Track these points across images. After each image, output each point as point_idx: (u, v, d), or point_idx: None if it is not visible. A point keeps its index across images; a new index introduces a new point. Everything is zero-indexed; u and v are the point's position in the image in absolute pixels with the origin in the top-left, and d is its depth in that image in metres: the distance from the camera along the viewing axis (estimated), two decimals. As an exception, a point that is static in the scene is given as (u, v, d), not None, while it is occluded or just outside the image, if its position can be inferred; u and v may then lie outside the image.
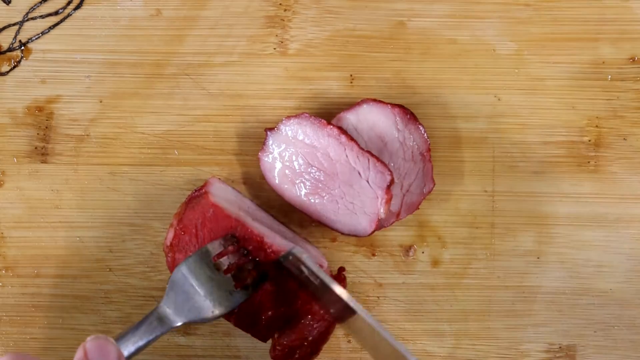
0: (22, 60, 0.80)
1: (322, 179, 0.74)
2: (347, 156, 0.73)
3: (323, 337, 0.72)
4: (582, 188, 0.78)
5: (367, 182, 0.73)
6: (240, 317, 0.71)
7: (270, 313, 0.71)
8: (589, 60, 0.78)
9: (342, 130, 0.73)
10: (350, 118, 0.75)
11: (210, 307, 0.68)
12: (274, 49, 0.79)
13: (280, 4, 0.79)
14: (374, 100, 0.75)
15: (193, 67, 0.79)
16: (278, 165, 0.74)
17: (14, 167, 0.79)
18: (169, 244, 0.73)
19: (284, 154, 0.74)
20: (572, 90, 0.78)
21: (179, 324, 0.67)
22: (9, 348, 0.78)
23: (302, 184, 0.74)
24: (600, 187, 0.78)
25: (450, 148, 0.78)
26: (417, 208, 0.75)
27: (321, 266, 0.72)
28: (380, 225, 0.74)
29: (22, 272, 0.78)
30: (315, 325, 0.71)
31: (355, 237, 0.75)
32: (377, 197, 0.73)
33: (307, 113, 0.74)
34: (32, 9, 0.80)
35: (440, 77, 0.79)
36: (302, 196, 0.74)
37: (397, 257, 0.78)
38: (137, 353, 0.65)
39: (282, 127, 0.74)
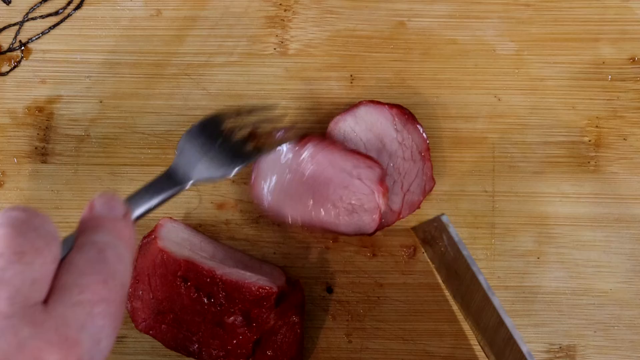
0: (22, 60, 0.80)
1: (315, 189, 0.74)
2: (330, 161, 0.73)
3: (296, 341, 0.73)
4: (582, 188, 0.78)
5: (360, 179, 0.73)
6: (207, 353, 0.72)
7: (235, 342, 0.71)
8: (589, 60, 0.78)
9: (320, 139, 0.73)
10: (348, 120, 0.75)
11: (220, 167, 0.67)
12: (274, 49, 0.79)
13: (280, 4, 0.79)
14: (372, 101, 0.75)
15: (193, 67, 0.79)
16: (269, 188, 0.74)
17: (14, 167, 0.79)
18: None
19: (272, 178, 0.74)
20: (572, 90, 0.78)
21: (190, 182, 0.65)
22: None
23: (298, 201, 0.74)
24: (600, 187, 0.78)
25: (450, 148, 0.78)
26: (419, 207, 0.75)
27: (271, 288, 0.72)
28: (383, 223, 0.74)
29: (22, 272, 0.78)
30: (284, 335, 0.72)
31: (362, 236, 0.75)
32: (373, 192, 0.73)
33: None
34: (32, 9, 0.80)
35: (440, 77, 0.79)
36: (302, 212, 0.74)
37: (398, 257, 0.78)
38: (147, 213, 0.63)
39: (264, 159, 0.74)
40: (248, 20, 0.79)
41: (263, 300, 0.71)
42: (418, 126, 0.75)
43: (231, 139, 0.69)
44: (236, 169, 0.67)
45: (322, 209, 0.74)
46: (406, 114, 0.75)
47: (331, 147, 0.73)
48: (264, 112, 0.73)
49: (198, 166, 0.66)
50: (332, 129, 0.76)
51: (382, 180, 0.73)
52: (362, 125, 0.75)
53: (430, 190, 0.75)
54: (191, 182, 0.65)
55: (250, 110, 0.72)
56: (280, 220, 0.75)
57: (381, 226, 0.75)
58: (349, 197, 0.73)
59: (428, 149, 0.75)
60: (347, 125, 0.75)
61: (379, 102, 0.75)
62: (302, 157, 0.73)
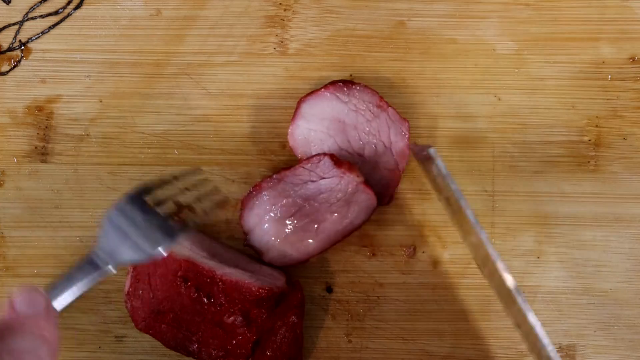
0: (22, 60, 0.80)
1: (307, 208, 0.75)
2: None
3: (295, 341, 0.73)
4: (582, 188, 0.78)
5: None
6: (206, 353, 0.72)
7: (234, 342, 0.71)
8: (589, 60, 0.78)
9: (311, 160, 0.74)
10: (300, 124, 0.75)
11: (145, 248, 0.64)
12: (274, 48, 0.79)
13: (280, 3, 0.79)
14: (307, 95, 0.75)
15: (193, 67, 0.79)
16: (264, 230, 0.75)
17: (14, 167, 0.79)
18: (126, 292, 0.73)
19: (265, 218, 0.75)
20: (572, 90, 0.78)
21: (113, 268, 0.63)
22: (9, 348, 0.78)
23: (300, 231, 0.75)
24: (600, 187, 0.78)
25: (450, 148, 0.78)
26: (409, 151, 0.75)
27: (271, 288, 0.72)
28: (391, 186, 0.75)
29: (22, 272, 0.79)
30: (283, 336, 0.72)
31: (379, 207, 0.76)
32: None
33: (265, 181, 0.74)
34: (32, 8, 0.80)
35: (440, 77, 0.79)
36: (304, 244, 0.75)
37: (398, 257, 0.78)
38: (72, 302, 0.61)
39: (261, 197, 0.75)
40: (248, 19, 0.79)
41: (263, 300, 0.71)
42: (358, 86, 0.75)
43: (156, 214, 0.66)
44: (162, 248, 0.65)
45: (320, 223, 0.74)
46: (342, 84, 0.75)
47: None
48: (188, 178, 0.71)
49: (122, 248, 0.64)
50: (292, 142, 0.76)
51: (343, 163, 0.74)
52: (313, 119, 0.75)
53: (408, 129, 0.75)
54: (115, 265, 0.63)
55: (174, 178, 0.70)
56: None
57: (391, 191, 0.75)
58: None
59: (381, 98, 0.75)
60: (302, 129, 0.75)
61: (313, 91, 0.75)
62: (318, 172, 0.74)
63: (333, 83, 0.75)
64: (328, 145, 0.75)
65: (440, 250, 0.78)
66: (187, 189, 0.70)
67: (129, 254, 0.64)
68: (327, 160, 0.73)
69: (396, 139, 0.75)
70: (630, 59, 0.78)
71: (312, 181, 0.74)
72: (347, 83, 0.75)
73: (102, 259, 0.63)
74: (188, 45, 0.79)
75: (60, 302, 0.61)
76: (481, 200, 0.78)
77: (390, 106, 0.75)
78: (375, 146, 0.75)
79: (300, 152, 0.76)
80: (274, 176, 0.74)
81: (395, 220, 0.78)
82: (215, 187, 0.73)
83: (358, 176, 0.73)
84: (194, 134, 0.79)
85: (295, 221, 0.74)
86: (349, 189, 0.74)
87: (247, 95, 0.79)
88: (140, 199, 0.66)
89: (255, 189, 0.75)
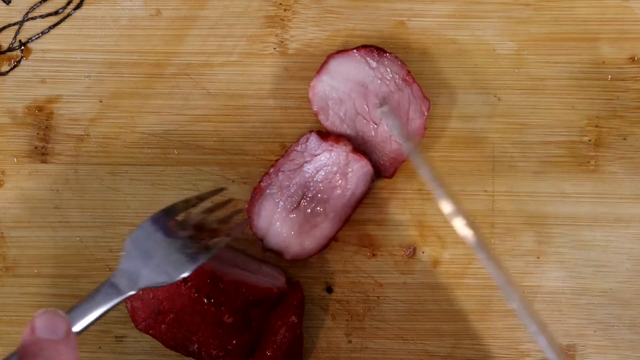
0: (22, 60, 0.80)
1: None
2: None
3: (295, 341, 0.73)
4: (582, 188, 0.78)
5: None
6: (206, 353, 0.71)
7: (234, 342, 0.71)
8: (589, 60, 0.78)
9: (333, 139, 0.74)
10: (324, 79, 0.75)
11: (167, 272, 0.65)
12: (274, 49, 0.79)
13: (280, 4, 0.79)
14: (338, 52, 0.75)
15: (193, 67, 0.79)
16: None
17: (14, 167, 0.79)
18: None
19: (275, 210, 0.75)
20: (572, 90, 0.78)
21: (134, 291, 0.64)
22: (9, 348, 0.78)
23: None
24: (600, 187, 0.78)
25: (450, 148, 0.78)
26: (425, 129, 0.75)
27: (271, 288, 0.72)
28: (399, 160, 0.75)
29: (22, 272, 0.79)
30: (283, 336, 0.72)
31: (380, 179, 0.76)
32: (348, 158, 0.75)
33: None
34: (32, 8, 0.80)
35: (440, 77, 0.78)
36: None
37: (398, 257, 0.78)
38: (91, 325, 0.62)
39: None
40: (248, 19, 0.79)
41: (263, 300, 0.71)
42: (389, 55, 0.74)
43: (179, 237, 0.66)
44: (185, 273, 0.65)
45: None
46: (374, 49, 0.74)
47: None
48: (212, 198, 0.72)
49: (144, 271, 0.64)
50: (312, 96, 0.76)
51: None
52: (338, 78, 0.75)
53: (428, 109, 0.75)
54: (137, 289, 0.64)
55: (198, 199, 0.70)
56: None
57: (397, 165, 0.75)
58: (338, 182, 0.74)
59: (409, 72, 0.74)
60: (325, 85, 0.75)
61: (344, 50, 0.75)
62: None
63: (365, 46, 0.75)
64: (346, 106, 0.75)
65: (440, 250, 0.78)
66: (210, 210, 0.71)
67: (151, 278, 0.64)
68: (313, 137, 0.74)
69: (414, 116, 0.75)
70: (630, 59, 0.78)
71: (307, 162, 0.74)
72: (380, 50, 0.75)
73: (123, 282, 0.64)
74: (188, 45, 0.79)
75: (80, 325, 0.61)
76: (481, 200, 0.78)
77: (416, 82, 0.75)
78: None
79: (316, 106, 0.76)
80: (271, 171, 0.74)
81: (395, 220, 0.78)
82: (239, 208, 0.74)
83: (346, 145, 0.73)
84: (194, 134, 0.79)
85: (303, 209, 0.74)
86: (341, 160, 0.74)
87: (247, 95, 0.79)
88: (163, 221, 0.67)
89: (257, 192, 0.75)
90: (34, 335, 0.53)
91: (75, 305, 0.62)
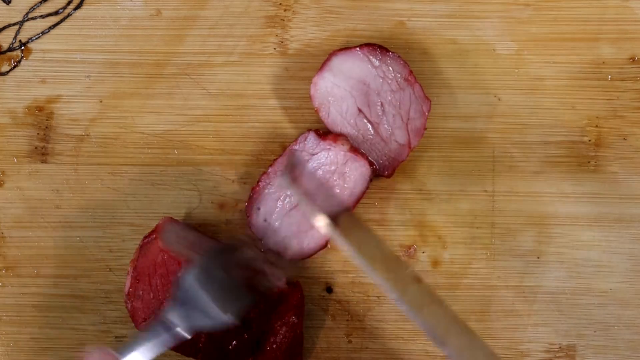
0: (22, 60, 0.80)
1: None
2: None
3: (295, 341, 0.73)
4: (582, 188, 0.78)
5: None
6: (207, 354, 0.71)
7: (235, 342, 0.71)
8: (589, 60, 0.78)
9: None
10: (326, 76, 0.75)
11: (218, 316, 0.65)
12: (274, 49, 0.79)
13: (280, 4, 0.79)
14: (341, 49, 0.75)
15: (193, 67, 0.79)
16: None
17: (14, 167, 0.79)
18: (127, 292, 0.73)
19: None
20: (572, 90, 0.78)
21: (186, 332, 0.65)
22: (9, 348, 0.78)
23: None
24: (600, 187, 0.78)
25: (450, 148, 0.78)
26: (425, 129, 0.75)
27: (271, 288, 0.72)
28: (397, 160, 0.75)
29: (22, 272, 0.79)
30: (283, 336, 0.72)
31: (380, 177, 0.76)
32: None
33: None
34: (32, 8, 0.80)
35: (440, 77, 0.78)
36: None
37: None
38: None
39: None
40: (248, 20, 0.79)
41: (262, 300, 0.71)
42: (392, 54, 0.75)
43: (231, 279, 0.67)
44: (235, 315, 0.66)
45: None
46: (377, 48, 0.75)
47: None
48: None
49: (195, 313, 0.65)
50: (313, 92, 0.76)
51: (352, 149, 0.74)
52: (340, 75, 0.75)
53: (429, 110, 0.75)
54: (188, 330, 0.64)
55: (251, 240, 0.71)
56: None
57: (395, 165, 0.75)
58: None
59: (411, 72, 0.75)
60: (327, 82, 0.75)
61: (347, 48, 0.75)
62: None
63: (368, 44, 0.75)
64: (347, 103, 0.75)
65: (440, 250, 0.78)
66: (262, 251, 0.71)
67: (201, 320, 0.65)
68: (311, 135, 0.74)
69: (415, 116, 0.75)
70: (630, 59, 0.78)
71: (306, 160, 0.74)
72: (383, 48, 0.75)
73: (174, 322, 0.64)
74: (188, 45, 0.79)
75: None
76: (481, 200, 0.78)
77: (418, 82, 0.75)
78: (393, 117, 0.75)
79: (317, 103, 0.76)
80: (269, 170, 0.75)
81: (395, 220, 0.78)
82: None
83: (344, 144, 0.74)
84: (194, 134, 0.79)
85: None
86: (339, 160, 0.74)
87: (247, 95, 0.79)
88: (216, 263, 0.67)
89: (255, 191, 0.75)
90: None
91: (126, 346, 0.62)
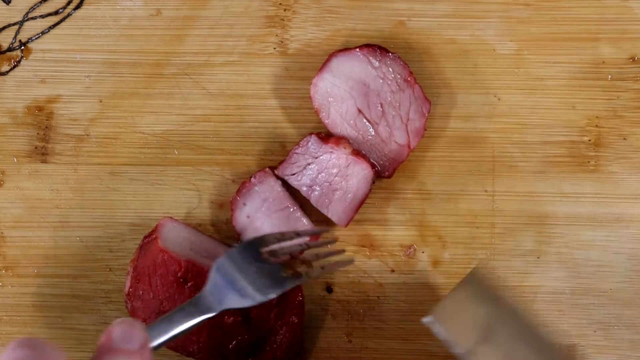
0: (22, 60, 0.80)
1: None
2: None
3: (295, 341, 0.73)
4: (582, 188, 0.78)
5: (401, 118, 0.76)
6: (206, 354, 0.71)
7: (235, 342, 0.71)
8: (589, 60, 0.78)
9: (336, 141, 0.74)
10: (326, 77, 0.75)
11: (253, 296, 0.65)
12: (274, 48, 0.79)
13: (280, 3, 0.79)
14: (340, 50, 0.75)
15: (193, 67, 0.79)
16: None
17: (14, 167, 0.79)
18: (127, 292, 0.73)
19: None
20: (572, 90, 0.78)
21: (216, 312, 0.64)
22: (9, 348, 0.78)
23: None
24: (600, 187, 0.78)
25: (450, 148, 0.78)
26: (425, 130, 0.75)
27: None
28: (397, 160, 0.75)
29: (22, 272, 0.79)
30: (283, 336, 0.72)
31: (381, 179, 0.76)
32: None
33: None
34: (32, 8, 0.80)
35: (440, 77, 0.78)
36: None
37: (398, 257, 0.78)
38: (170, 341, 0.62)
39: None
40: (248, 19, 0.79)
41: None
42: (392, 55, 0.75)
43: (267, 263, 0.67)
44: (270, 296, 0.66)
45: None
46: (377, 49, 0.75)
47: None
48: (309, 235, 0.73)
49: (230, 294, 0.65)
50: (313, 93, 0.76)
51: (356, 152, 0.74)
52: (340, 76, 0.75)
53: (429, 111, 0.75)
54: (219, 310, 0.64)
55: (296, 235, 0.71)
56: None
57: (395, 165, 0.75)
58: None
59: (411, 73, 0.75)
60: (327, 83, 0.75)
61: (347, 49, 0.75)
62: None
63: (368, 45, 0.75)
64: (347, 104, 0.75)
65: (440, 250, 0.78)
66: (308, 245, 0.71)
67: (235, 300, 0.65)
68: (313, 139, 0.74)
69: (414, 117, 0.75)
70: (630, 59, 0.78)
71: (309, 164, 0.74)
72: (382, 49, 0.75)
73: (206, 302, 0.64)
74: (188, 45, 0.79)
75: (157, 340, 0.61)
76: (481, 200, 0.78)
77: (417, 83, 0.75)
78: (393, 118, 0.75)
79: (317, 104, 0.76)
80: (267, 170, 0.75)
81: (395, 220, 0.78)
82: (342, 249, 0.74)
83: (346, 147, 0.74)
84: (194, 134, 0.79)
85: (291, 213, 0.74)
86: (342, 163, 0.74)
87: (247, 95, 0.79)
88: (254, 249, 0.67)
89: (245, 186, 0.75)
90: (110, 342, 0.52)
91: (155, 322, 0.62)
